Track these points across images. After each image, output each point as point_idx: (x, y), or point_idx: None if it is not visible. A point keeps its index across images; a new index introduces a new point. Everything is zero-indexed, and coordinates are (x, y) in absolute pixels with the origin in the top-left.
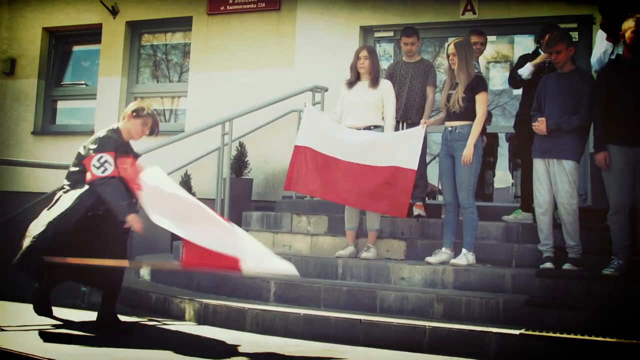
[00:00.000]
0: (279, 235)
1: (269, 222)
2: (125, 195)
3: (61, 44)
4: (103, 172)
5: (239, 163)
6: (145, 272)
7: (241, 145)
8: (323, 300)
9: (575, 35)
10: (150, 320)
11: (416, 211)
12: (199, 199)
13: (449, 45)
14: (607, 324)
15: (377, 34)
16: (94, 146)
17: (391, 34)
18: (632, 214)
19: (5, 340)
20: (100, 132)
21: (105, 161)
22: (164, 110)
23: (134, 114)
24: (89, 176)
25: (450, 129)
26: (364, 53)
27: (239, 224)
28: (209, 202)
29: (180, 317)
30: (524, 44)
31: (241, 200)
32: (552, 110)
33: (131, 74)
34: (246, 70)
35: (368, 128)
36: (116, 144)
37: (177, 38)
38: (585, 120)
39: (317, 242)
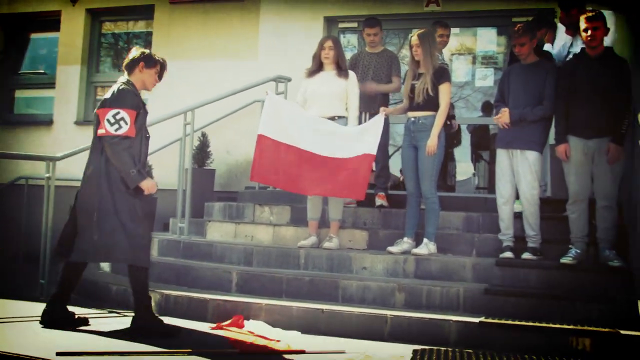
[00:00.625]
0: (242, 225)
1: (232, 212)
2: (135, 161)
3: (19, 32)
4: (117, 129)
5: (202, 154)
6: (105, 265)
7: (203, 135)
8: (285, 290)
9: None
10: (110, 312)
11: (378, 201)
12: (161, 189)
13: (412, 37)
14: (565, 312)
15: (341, 25)
16: (111, 98)
17: (355, 24)
18: (589, 205)
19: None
20: (118, 85)
21: (122, 118)
22: None
23: (146, 63)
24: (101, 131)
25: (413, 119)
26: (328, 43)
27: (201, 215)
28: (171, 193)
29: None
30: (487, 36)
31: (204, 191)
32: (515, 101)
33: (91, 62)
34: (209, 60)
35: (332, 118)
36: (135, 101)
37: (139, 27)
38: (549, 111)
39: (279, 233)
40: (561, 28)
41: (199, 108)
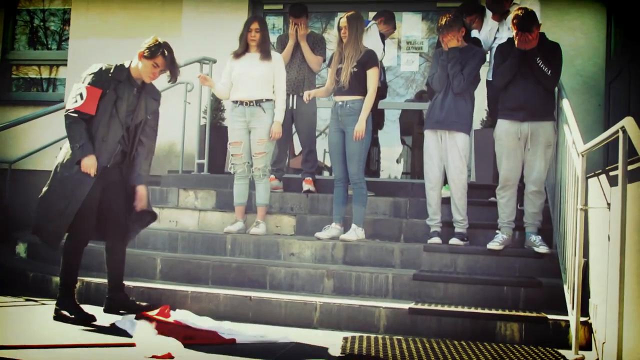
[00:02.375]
0: (166, 210)
1: (155, 197)
2: (84, 136)
3: None
4: (73, 103)
5: None
6: (21, 249)
7: None
8: (211, 277)
9: None
10: (27, 300)
11: (306, 186)
12: None
13: (341, 19)
14: (493, 297)
15: (266, 6)
16: (84, 75)
17: (281, 6)
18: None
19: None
20: (100, 66)
21: (80, 93)
22: (41, 79)
23: (146, 52)
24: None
25: (340, 103)
26: (255, 25)
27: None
28: None
29: None
30: (411, 21)
31: None
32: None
33: (6, 40)
34: (130, 37)
35: (259, 101)
36: (103, 80)
37: (55, 4)
38: (460, 87)
39: (205, 218)
40: (488, 13)
41: None
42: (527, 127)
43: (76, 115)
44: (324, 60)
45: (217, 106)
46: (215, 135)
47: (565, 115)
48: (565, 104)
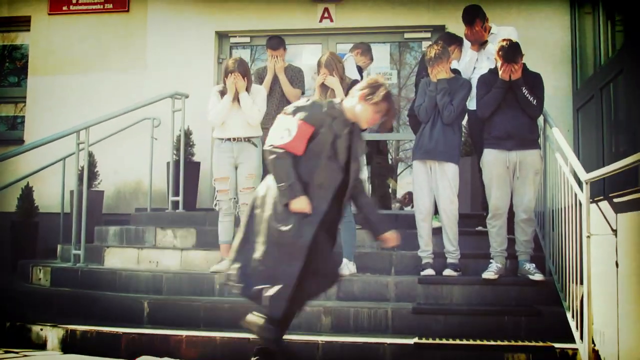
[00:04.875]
0: (144, 251)
1: (129, 236)
2: (292, 174)
3: None
4: (279, 138)
5: (89, 174)
6: None
7: (90, 154)
8: (203, 319)
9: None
10: (6, 352)
11: None
12: (41, 213)
13: (320, 68)
14: (493, 327)
15: (232, 40)
16: (292, 108)
17: (248, 39)
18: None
19: None
20: (313, 100)
21: (289, 129)
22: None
23: (370, 96)
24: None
25: None
26: (236, 75)
27: (92, 240)
28: (54, 216)
29: (41, 347)
30: (381, 52)
31: (91, 213)
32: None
33: None
34: (93, 73)
35: (249, 138)
36: (322, 119)
37: (13, 39)
38: (452, 115)
39: (187, 257)
40: (466, 44)
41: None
42: (515, 155)
43: (282, 151)
44: (303, 93)
45: (187, 141)
46: (187, 172)
47: (557, 143)
48: (556, 133)
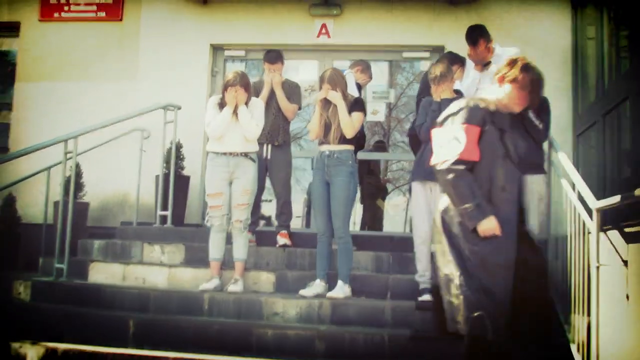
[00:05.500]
0: (130, 267)
1: (115, 251)
2: (477, 192)
3: None
4: (448, 152)
5: (74, 185)
6: None
7: (77, 165)
8: (191, 340)
9: (427, 65)
10: None
11: (281, 240)
12: (23, 224)
13: (323, 83)
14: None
15: (227, 53)
16: (444, 117)
17: (243, 53)
18: None
19: None
20: (465, 100)
21: (456, 137)
22: None
23: (507, 76)
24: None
25: (327, 153)
26: (238, 89)
27: (75, 253)
28: (37, 227)
29: None
30: (378, 70)
31: (75, 226)
32: None
33: None
34: (84, 81)
35: (246, 153)
36: (482, 116)
37: (7, 44)
38: None
39: (175, 275)
40: (469, 64)
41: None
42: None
43: (460, 167)
44: (300, 109)
45: (177, 154)
46: (176, 186)
47: (563, 169)
48: (563, 158)
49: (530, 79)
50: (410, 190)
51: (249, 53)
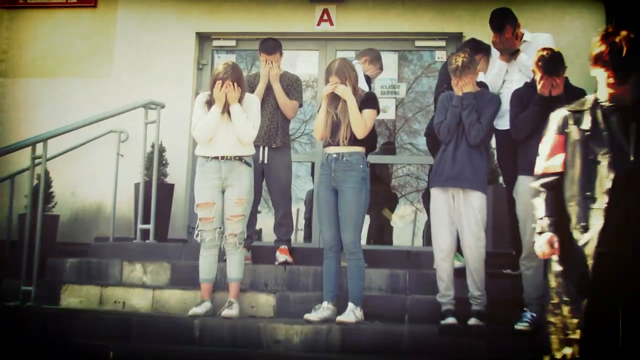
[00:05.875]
0: (109, 289)
1: (90, 271)
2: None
3: None
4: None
5: (43, 195)
6: None
7: (46, 172)
8: None
9: (443, 55)
10: None
11: (281, 257)
12: None
13: (330, 76)
14: None
15: (215, 43)
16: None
17: (233, 43)
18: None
19: None
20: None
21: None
22: None
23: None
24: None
25: (335, 156)
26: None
27: (44, 275)
28: None
29: None
30: (387, 62)
31: (44, 242)
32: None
33: None
34: (51, 78)
35: (239, 159)
36: (566, 119)
37: None
38: (480, 135)
39: (160, 298)
40: (495, 53)
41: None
42: None
43: (544, 180)
44: (300, 106)
45: (159, 159)
46: (159, 195)
47: None
48: None
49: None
50: (424, 199)
51: (240, 43)
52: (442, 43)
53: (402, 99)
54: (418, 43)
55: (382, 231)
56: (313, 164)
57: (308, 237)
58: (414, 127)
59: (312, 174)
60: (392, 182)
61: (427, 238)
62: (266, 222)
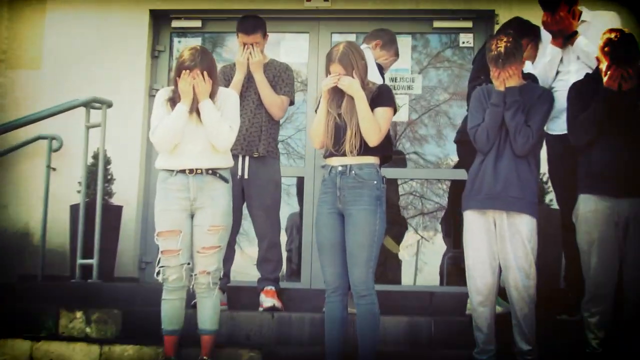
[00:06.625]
0: (41, 344)
1: (15, 320)
2: None
3: None
4: None
5: None
6: None
7: None
8: None
9: (470, 39)
10: None
11: (268, 301)
12: None
13: (331, 62)
14: None
15: (175, 24)
16: None
17: (198, 24)
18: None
19: None
20: None
21: None
22: None
23: None
24: None
25: (340, 169)
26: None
27: None
28: None
29: None
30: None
31: None
32: None
33: None
34: None
35: (214, 170)
36: None
37: None
38: (530, 142)
39: (110, 355)
40: (545, 37)
41: None
42: (627, 205)
43: None
44: (292, 103)
45: (104, 174)
46: (104, 220)
47: None
48: None
49: None
50: (444, 224)
51: (207, 24)
52: (468, 24)
53: (418, 96)
54: (437, 24)
55: (384, 266)
56: (301, 180)
57: (294, 274)
58: (419, 132)
59: (299, 193)
60: (399, 201)
61: (450, 275)
62: (243, 253)
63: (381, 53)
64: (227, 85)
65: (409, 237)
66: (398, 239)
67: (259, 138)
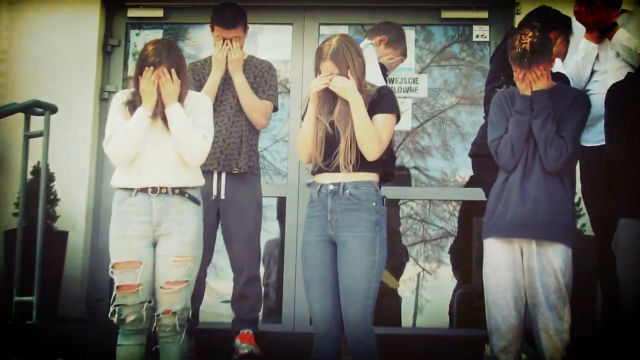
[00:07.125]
0: None
1: None
2: None
3: None
4: None
5: None
6: None
7: None
8: None
9: (485, 32)
10: None
11: (244, 347)
12: None
13: (322, 59)
14: None
15: (132, 12)
16: None
17: (159, 12)
18: None
19: None
20: None
21: None
22: None
23: None
24: None
25: (332, 188)
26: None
27: None
28: None
29: None
30: None
31: None
32: None
33: None
34: None
35: (182, 190)
36: None
37: None
38: (564, 157)
39: None
40: (578, 30)
41: None
42: None
43: None
44: (275, 109)
45: (46, 193)
46: (45, 249)
47: None
48: None
49: None
50: (453, 254)
51: (170, 14)
52: (484, 14)
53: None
54: (446, 14)
55: (379, 304)
56: (282, 201)
57: (273, 314)
58: (421, 142)
59: (279, 216)
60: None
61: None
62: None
63: (386, 51)
64: (199, 87)
65: (410, 270)
66: (397, 272)
67: (238, 151)
